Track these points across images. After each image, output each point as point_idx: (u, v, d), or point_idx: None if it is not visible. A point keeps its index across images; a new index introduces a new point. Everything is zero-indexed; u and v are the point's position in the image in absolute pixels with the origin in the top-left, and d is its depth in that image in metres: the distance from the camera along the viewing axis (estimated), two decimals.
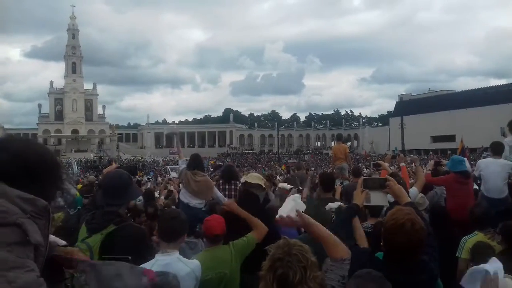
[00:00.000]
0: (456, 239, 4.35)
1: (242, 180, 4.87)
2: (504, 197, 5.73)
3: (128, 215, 5.10)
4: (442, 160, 8.14)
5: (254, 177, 4.83)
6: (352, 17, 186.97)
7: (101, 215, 2.75)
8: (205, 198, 6.18)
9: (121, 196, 2.85)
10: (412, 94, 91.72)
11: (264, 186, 4.87)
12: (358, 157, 68.03)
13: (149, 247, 2.89)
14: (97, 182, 14.93)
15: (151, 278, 1.34)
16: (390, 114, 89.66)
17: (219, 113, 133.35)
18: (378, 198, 2.76)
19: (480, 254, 3.42)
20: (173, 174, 15.50)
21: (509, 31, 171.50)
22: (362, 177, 2.93)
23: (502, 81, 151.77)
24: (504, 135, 7.17)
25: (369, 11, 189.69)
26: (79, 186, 14.58)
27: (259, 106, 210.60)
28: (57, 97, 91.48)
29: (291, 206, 2.23)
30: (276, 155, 74.71)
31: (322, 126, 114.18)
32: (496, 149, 6.32)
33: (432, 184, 6.28)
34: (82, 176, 31.80)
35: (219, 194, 6.42)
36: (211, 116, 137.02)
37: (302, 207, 2.28)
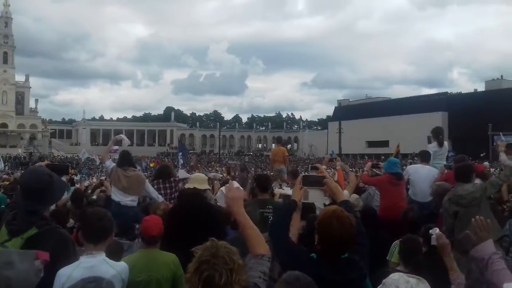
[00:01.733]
0: (385, 240, 4.50)
1: (189, 185, 4.72)
2: (429, 201, 6.05)
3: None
4: (380, 163, 8.54)
5: (201, 181, 4.72)
6: (295, 22, 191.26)
7: (23, 216, 2.54)
8: (136, 194, 6.03)
9: (40, 198, 2.62)
10: (350, 100, 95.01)
11: (209, 188, 4.86)
12: (297, 158, 69.56)
13: (74, 253, 2.70)
14: None
15: (43, 259, 1.25)
16: (329, 119, 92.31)
17: (160, 111, 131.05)
18: (315, 196, 2.82)
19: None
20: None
21: (441, 42, 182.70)
22: (301, 174, 2.98)
23: (433, 90, 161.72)
24: (430, 142, 7.66)
25: (312, 16, 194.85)
26: (6, 183, 13.76)
27: (201, 105, 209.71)
28: None
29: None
30: (217, 156, 74.52)
31: (263, 128, 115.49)
32: (424, 156, 6.81)
33: (367, 184, 6.64)
34: (10, 172, 30.11)
35: (152, 189, 6.31)
36: (152, 114, 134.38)
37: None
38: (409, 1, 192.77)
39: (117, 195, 5.92)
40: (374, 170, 7.10)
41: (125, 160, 6.26)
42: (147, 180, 6.61)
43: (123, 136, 8.36)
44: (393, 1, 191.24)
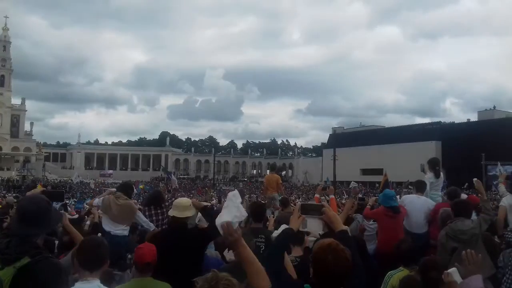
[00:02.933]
0: (375, 271, 4.47)
1: (171, 213, 4.58)
2: (424, 232, 6.04)
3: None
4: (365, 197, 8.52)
5: (181, 209, 4.50)
6: (291, 50, 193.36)
7: (16, 244, 2.51)
8: (126, 222, 5.93)
9: (37, 225, 2.61)
10: (345, 128, 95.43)
11: (192, 214, 4.73)
12: (291, 185, 69.34)
13: (66, 283, 2.67)
14: (16, 202, 13.97)
15: None
16: (323, 146, 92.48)
17: (155, 136, 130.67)
18: (314, 225, 2.83)
19: None
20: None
21: (433, 73, 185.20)
22: (300, 202, 2.96)
23: (426, 119, 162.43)
24: (423, 171, 7.70)
25: (307, 45, 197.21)
26: None
27: (196, 131, 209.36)
28: None
29: (232, 213, 2.19)
30: (212, 181, 74.18)
31: (258, 154, 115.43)
32: (419, 187, 6.76)
33: (367, 217, 6.57)
34: (2, 195, 29.72)
35: (144, 218, 6.24)
36: (147, 139, 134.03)
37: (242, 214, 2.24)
38: (402, 33, 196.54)
39: (107, 225, 5.82)
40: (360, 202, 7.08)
41: (124, 189, 6.29)
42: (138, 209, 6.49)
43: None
44: (386, 33, 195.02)
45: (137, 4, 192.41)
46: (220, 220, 2.19)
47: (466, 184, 25.31)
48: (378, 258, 5.64)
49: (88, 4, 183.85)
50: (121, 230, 5.81)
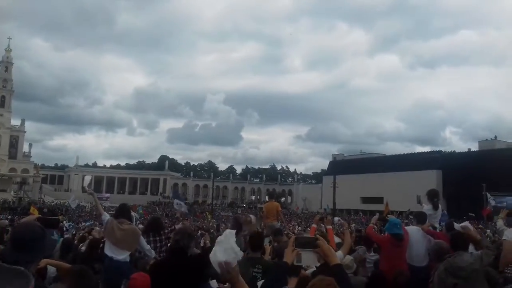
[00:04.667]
0: None
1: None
2: (425, 266, 5.87)
3: None
4: (387, 217, 8.50)
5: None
6: (291, 77, 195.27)
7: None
8: (129, 248, 5.84)
9: (31, 252, 2.50)
10: (345, 155, 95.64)
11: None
12: (290, 212, 68.88)
13: None
14: (10, 225, 13.69)
15: None
16: (323, 173, 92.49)
17: (154, 159, 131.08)
18: (308, 258, 2.70)
19: None
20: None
21: (432, 102, 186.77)
22: (294, 236, 2.87)
23: (426, 148, 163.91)
24: (419, 203, 7.70)
25: (308, 72, 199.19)
26: None
27: (196, 155, 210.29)
28: None
29: (228, 254, 2.21)
30: (210, 207, 73.73)
31: (258, 180, 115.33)
32: (420, 218, 6.68)
33: (370, 236, 6.62)
34: None
35: (146, 244, 6.21)
36: (146, 162, 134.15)
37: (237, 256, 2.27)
38: (400, 61, 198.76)
39: (110, 250, 5.72)
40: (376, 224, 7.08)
41: (122, 213, 6.26)
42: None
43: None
44: (385, 61, 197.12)
45: (139, 29, 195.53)
46: (215, 258, 2.20)
47: (464, 217, 25.26)
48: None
49: (91, 28, 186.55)
50: (124, 256, 5.73)
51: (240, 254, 2.29)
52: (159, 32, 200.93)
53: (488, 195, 19.91)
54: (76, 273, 2.76)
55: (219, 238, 2.31)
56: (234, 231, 2.36)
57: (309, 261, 2.75)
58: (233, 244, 2.25)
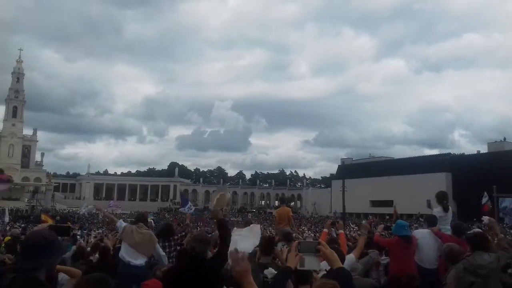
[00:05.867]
0: None
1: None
2: (435, 268, 5.96)
3: None
4: (392, 224, 8.49)
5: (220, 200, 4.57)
6: (298, 83, 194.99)
7: (21, 282, 2.47)
8: (146, 253, 5.95)
9: (40, 257, 2.57)
10: (354, 159, 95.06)
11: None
12: (300, 216, 68.66)
13: None
14: (22, 234, 13.81)
15: None
16: (332, 177, 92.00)
17: (164, 166, 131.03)
18: (311, 262, 2.76)
19: None
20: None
21: (439, 105, 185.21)
22: (297, 241, 2.97)
23: (434, 151, 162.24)
24: (429, 207, 7.61)
25: (315, 78, 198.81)
26: (7, 238, 13.31)
27: (205, 161, 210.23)
28: None
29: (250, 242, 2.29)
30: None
31: (267, 185, 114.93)
32: (431, 221, 6.70)
33: (378, 243, 6.60)
34: (9, 226, 29.75)
35: (161, 251, 6.27)
36: (156, 169, 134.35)
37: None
38: (406, 66, 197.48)
39: (127, 254, 5.79)
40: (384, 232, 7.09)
41: (140, 220, 6.40)
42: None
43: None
44: (391, 66, 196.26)
45: (147, 38, 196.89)
46: (235, 245, 2.31)
47: (475, 219, 25.07)
48: None
49: (100, 38, 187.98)
50: (141, 261, 5.79)
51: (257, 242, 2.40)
52: (166, 41, 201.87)
53: (485, 193, 19.99)
54: (96, 280, 2.74)
55: (243, 230, 2.43)
56: (259, 226, 2.45)
57: (312, 265, 2.81)
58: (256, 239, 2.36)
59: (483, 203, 19.67)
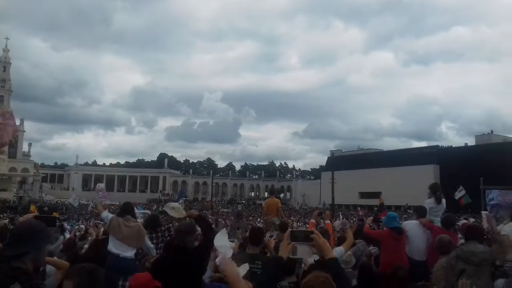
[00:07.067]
0: None
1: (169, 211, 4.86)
2: (424, 260, 5.99)
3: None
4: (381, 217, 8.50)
5: (176, 211, 4.83)
6: (288, 74, 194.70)
7: (6, 270, 2.46)
8: (135, 245, 5.86)
9: (25, 241, 2.55)
10: (343, 151, 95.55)
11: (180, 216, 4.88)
12: (289, 208, 69.00)
13: None
14: (11, 223, 13.71)
15: None
16: (321, 169, 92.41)
17: (153, 157, 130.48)
18: (304, 251, 2.75)
19: None
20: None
21: (428, 97, 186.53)
22: (289, 230, 2.94)
23: (423, 143, 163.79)
24: (408, 209, 7.60)
25: (305, 70, 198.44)
26: None
27: (194, 153, 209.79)
28: None
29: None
30: (210, 204, 73.75)
31: (256, 177, 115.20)
32: (420, 212, 6.70)
33: (368, 236, 6.61)
34: None
35: (150, 244, 6.20)
36: (145, 160, 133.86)
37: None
38: (395, 58, 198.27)
39: (115, 247, 5.68)
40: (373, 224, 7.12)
41: (126, 211, 6.14)
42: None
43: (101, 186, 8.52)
44: (380, 58, 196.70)
45: (136, 29, 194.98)
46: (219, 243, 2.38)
47: (462, 211, 25.29)
48: (380, 280, 5.57)
49: (88, 28, 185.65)
50: (130, 253, 5.71)
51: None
52: (156, 31, 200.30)
53: (461, 186, 20.08)
54: (87, 271, 2.64)
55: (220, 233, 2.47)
56: (226, 231, 2.56)
57: (304, 254, 2.80)
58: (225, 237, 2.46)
59: (457, 197, 19.65)
